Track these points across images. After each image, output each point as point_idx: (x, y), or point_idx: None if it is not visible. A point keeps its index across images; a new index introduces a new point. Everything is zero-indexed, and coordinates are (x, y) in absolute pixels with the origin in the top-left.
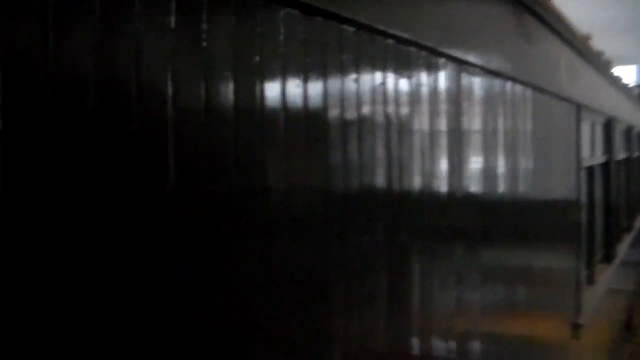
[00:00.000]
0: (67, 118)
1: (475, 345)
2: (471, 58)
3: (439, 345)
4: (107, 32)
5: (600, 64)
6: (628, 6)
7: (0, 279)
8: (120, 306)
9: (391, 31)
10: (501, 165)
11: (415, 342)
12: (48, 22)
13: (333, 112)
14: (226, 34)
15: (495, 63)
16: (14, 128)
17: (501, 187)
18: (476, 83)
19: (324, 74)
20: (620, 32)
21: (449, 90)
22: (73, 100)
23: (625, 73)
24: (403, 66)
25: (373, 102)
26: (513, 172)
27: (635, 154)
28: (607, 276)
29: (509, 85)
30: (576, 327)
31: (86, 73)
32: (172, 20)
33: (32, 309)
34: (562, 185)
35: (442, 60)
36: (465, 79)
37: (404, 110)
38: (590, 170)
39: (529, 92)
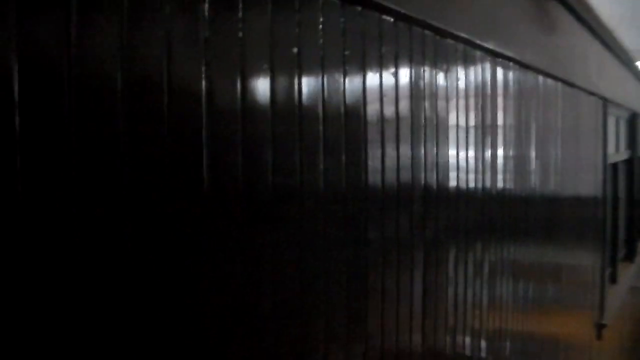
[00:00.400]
0: (92, 117)
1: (502, 343)
2: (505, 51)
3: (467, 341)
4: (135, 21)
5: (625, 58)
6: None
7: (23, 281)
8: (150, 308)
9: (429, 21)
10: (532, 161)
11: (445, 339)
12: (71, 14)
13: (372, 108)
14: (263, 23)
15: (528, 56)
16: (35, 128)
17: (532, 183)
18: (510, 77)
19: (362, 67)
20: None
21: (483, 84)
22: (98, 98)
23: None
24: (441, 59)
25: (411, 96)
26: (543, 167)
27: None
28: (629, 274)
29: (540, 79)
30: (600, 327)
31: (112, 68)
32: (206, 8)
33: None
34: (588, 182)
35: (478, 53)
36: (499, 72)
37: (442, 105)
38: (615, 166)
39: (559, 86)
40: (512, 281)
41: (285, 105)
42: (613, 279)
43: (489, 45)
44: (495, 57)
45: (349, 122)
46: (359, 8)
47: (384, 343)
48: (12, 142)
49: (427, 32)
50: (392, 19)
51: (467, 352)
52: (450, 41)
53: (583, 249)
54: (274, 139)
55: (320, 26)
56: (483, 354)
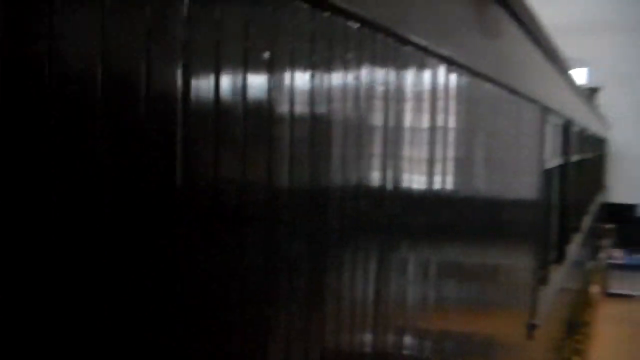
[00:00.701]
0: (71, 115)
1: (439, 342)
2: (457, 58)
3: (407, 341)
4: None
5: (562, 66)
6: (580, 8)
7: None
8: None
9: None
10: (477, 164)
11: (369, 338)
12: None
13: (337, 111)
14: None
15: (478, 64)
16: (12, 125)
17: (475, 186)
18: (459, 83)
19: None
20: (572, 34)
21: (434, 89)
22: (77, 96)
23: (577, 75)
24: (399, 64)
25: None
26: (486, 171)
27: (587, 156)
28: (558, 276)
29: (488, 86)
30: (531, 327)
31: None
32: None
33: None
34: (526, 186)
35: (432, 59)
36: (450, 78)
37: (396, 108)
38: (549, 172)
39: (504, 94)
40: (452, 282)
41: (257, 106)
42: (544, 281)
43: (443, 52)
44: (448, 64)
45: (314, 123)
46: (328, 14)
47: (335, 341)
48: None
49: (388, 38)
50: (357, 25)
51: (406, 351)
52: (408, 48)
53: (519, 251)
54: (244, 140)
55: (291, 30)
56: (421, 353)
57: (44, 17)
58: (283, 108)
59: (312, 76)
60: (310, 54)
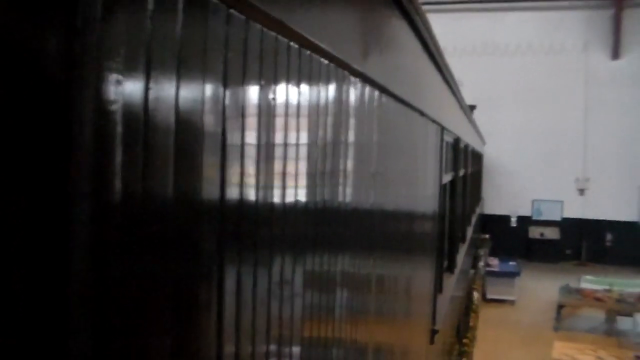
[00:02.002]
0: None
1: (339, 353)
2: (369, 74)
3: (304, 352)
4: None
5: (454, 87)
6: (455, 31)
7: None
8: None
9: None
10: (379, 178)
11: (283, 350)
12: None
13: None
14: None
15: (389, 83)
16: None
17: (376, 199)
18: (370, 98)
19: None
20: (449, 55)
21: (341, 102)
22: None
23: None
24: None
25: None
26: (389, 185)
27: (469, 171)
28: (451, 284)
29: (397, 105)
30: (433, 333)
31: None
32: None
33: None
34: (426, 200)
35: (340, 71)
36: (362, 92)
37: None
38: (443, 186)
39: (410, 112)
40: (357, 293)
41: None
42: (440, 289)
43: (357, 68)
44: (364, 81)
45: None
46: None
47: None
48: None
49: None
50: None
51: None
52: (317, 57)
53: (420, 262)
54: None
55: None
56: None
57: None
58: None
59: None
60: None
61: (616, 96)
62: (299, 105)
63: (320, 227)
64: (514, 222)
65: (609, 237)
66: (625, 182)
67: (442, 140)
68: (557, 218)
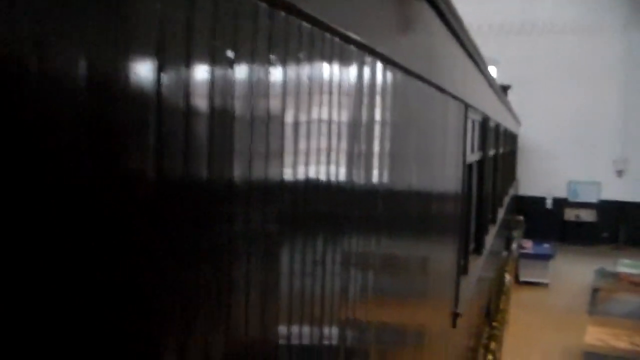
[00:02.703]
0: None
1: (371, 333)
2: (393, 58)
3: (325, 332)
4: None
5: (482, 65)
6: (491, 9)
7: None
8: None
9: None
10: (407, 159)
11: (318, 330)
12: None
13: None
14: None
15: (410, 62)
16: None
17: (405, 180)
18: (393, 80)
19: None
20: (484, 34)
21: (371, 85)
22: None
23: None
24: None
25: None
26: (415, 166)
27: (501, 151)
28: (478, 266)
29: (418, 83)
30: (455, 316)
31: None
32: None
33: None
34: (451, 180)
35: (372, 58)
36: (387, 76)
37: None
38: (469, 166)
39: (433, 91)
40: (384, 274)
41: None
42: (465, 271)
43: (380, 50)
44: (385, 62)
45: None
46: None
47: (260, 332)
48: None
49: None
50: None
51: (336, 342)
52: (348, 45)
53: (444, 243)
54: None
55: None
56: (353, 343)
57: None
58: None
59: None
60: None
61: None
62: (310, 84)
63: (336, 208)
64: (549, 203)
65: None
66: None
67: (466, 118)
68: (594, 200)
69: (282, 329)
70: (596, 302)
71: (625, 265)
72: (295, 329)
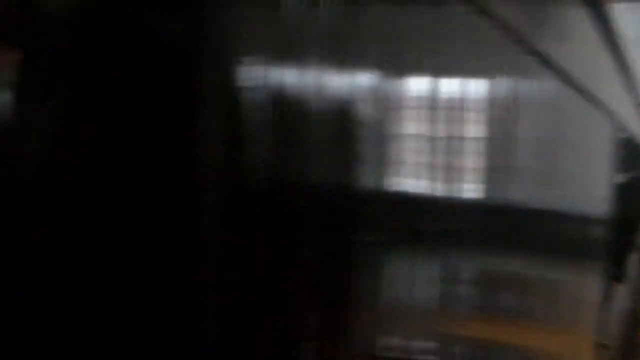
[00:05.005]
0: None
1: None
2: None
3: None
4: None
5: (631, 78)
6: None
7: None
8: None
9: None
10: (545, 175)
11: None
12: None
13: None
14: None
15: (576, 73)
16: None
17: (539, 197)
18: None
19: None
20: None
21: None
22: None
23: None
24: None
25: None
26: (569, 184)
27: None
28: (621, 295)
29: (574, 93)
30: (602, 348)
31: None
32: None
33: None
34: (595, 202)
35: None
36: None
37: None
38: (617, 186)
39: (580, 101)
40: (513, 294)
41: None
42: (610, 299)
43: (553, 60)
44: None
45: None
46: None
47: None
48: None
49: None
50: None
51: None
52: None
53: (585, 267)
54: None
55: None
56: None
57: None
58: None
59: None
60: None
61: None
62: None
63: (479, 223)
64: None
65: None
66: None
67: (614, 134)
68: None
69: (414, 345)
70: None
71: None
72: (419, 344)
